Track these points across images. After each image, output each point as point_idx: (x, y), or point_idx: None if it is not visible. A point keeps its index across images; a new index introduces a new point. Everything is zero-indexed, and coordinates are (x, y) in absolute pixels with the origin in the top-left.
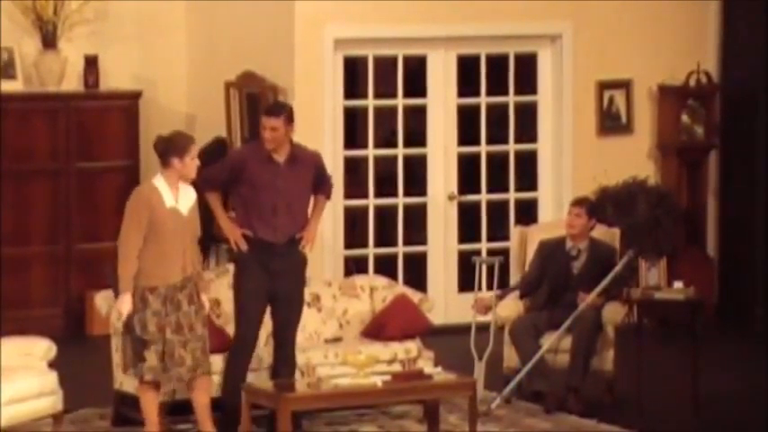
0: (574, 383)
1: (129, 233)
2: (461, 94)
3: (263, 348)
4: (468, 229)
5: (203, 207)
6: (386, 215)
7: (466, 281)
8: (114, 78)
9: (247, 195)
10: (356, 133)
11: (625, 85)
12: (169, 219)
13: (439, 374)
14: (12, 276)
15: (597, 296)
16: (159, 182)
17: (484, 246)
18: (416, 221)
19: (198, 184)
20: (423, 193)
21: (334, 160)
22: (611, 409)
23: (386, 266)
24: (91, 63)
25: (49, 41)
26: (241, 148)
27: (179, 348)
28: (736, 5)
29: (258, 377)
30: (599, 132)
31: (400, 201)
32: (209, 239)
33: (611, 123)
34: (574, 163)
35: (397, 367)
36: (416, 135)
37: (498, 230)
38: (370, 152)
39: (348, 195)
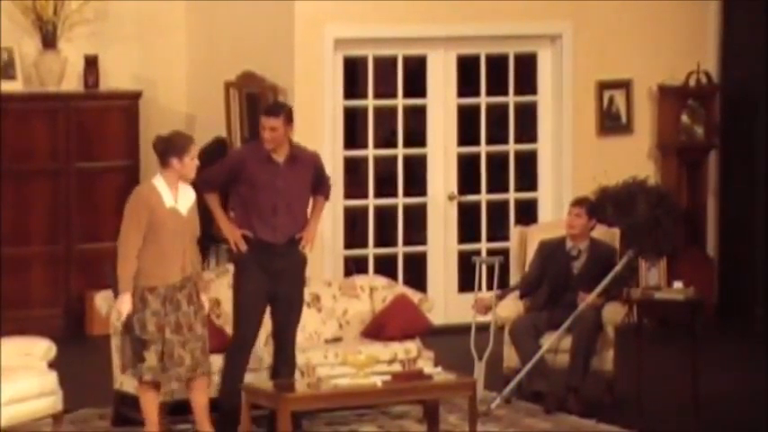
0: (574, 383)
1: (129, 233)
2: (461, 94)
3: (263, 349)
4: (468, 229)
5: (203, 207)
6: (386, 215)
7: (466, 281)
8: (114, 78)
9: (247, 195)
10: (356, 133)
11: (625, 85)
12: (168, 219)
13: (439, 374)
14: (12, 276)
15: (597, 296)
16: (159, 182)
17: (484, 246)
18: (416, 221)
19: (197, 185)
20: (423, 193)
21: (334, 160)
22: (611, 409)
23: (386, 266)
24: (91, 63)
25: (48, 41)
26: (240, 148)
27: (178, 348)
28: (736, 5)
29: (258, 377)
30: (599, 132)
31: (400, 201)
32: (209, 240)
33: (611, 123)
34: (574, 163)
35: (397, 367)
36: (416, 135)
37: (498, 230)
38: (370, 152)
39: (348, 195)
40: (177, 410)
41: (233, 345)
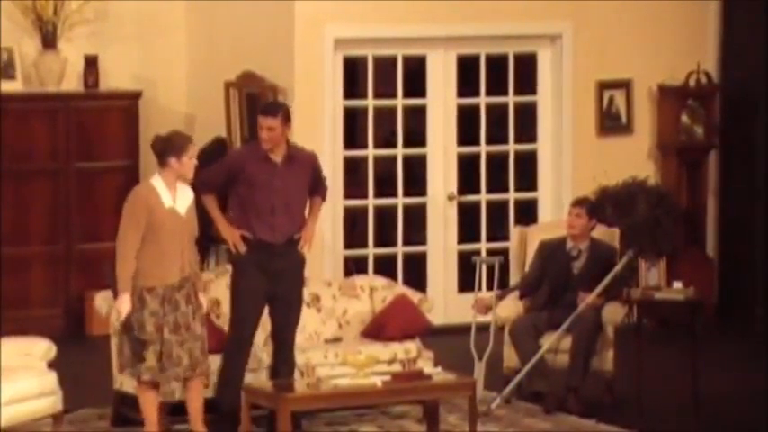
0: (574, 383)
1: (128, 233)
2: (461, 94)
3: (263, 349)
4: (467, 229)
5: (201, 208)
6: (386, 215)
7: (465, 281)
8: (114, 78)
9: (245, 196)
10: (356, 133)
11: (625, 85)
12: (167, 219)
13: (439, 374)
14: (12, 276)
15: (597, 296)
16: (157, 182)
17: (483, 246)
18: (416, 221)
19: (195, 186)
20: (422, 193)
21: (333, 160)
22: (610, 409)
23: (385, 266)
24: (91, 63)
25: (48, 41)
26: (238, 149)
27: (176, 348)
28: (736, 5)
29: (257, 377)
30: (599, 132)
31: (400, 201)
32: (209, 240)
33: (611, 123)
34: (574, 163)
35: (396, 367)
36: (416, 135)
37: (498, 230)
38: (370, 152)
39: (348, 195)
40: (177, 410)
41: (231, 345)
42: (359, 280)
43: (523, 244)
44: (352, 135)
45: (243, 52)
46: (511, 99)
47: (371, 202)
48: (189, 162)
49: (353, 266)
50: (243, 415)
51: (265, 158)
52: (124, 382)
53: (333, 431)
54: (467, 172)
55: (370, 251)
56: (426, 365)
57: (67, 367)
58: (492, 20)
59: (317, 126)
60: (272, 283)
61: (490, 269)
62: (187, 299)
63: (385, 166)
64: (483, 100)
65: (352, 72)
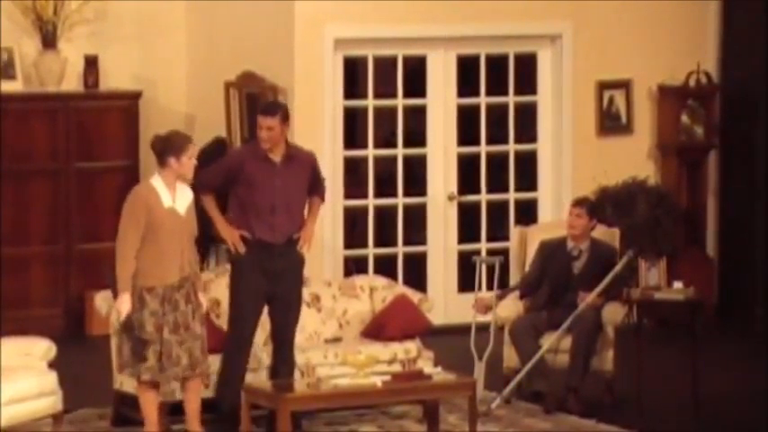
0: (574, 383)
1: (127, 233)
2: (461, 94)
3: (263, 349)
4: (467, 229)
5: (201, 208)
6: (386, 215)
7: (466, 281)
8: (114, 78)
9: (244, 196)
10: (356, 133)
11: (625, 85)
12: (167, 219)
13: (439, 374)
14: (12, 276)
15: (597, 296)
16: (157, 182)
17: (483, 246)
18: (416, 221)
19: (194, 186)
20: (422, 193)
21: (334, 160)
22: (610, 409)
23: (386, 266)
24: (91, 63)
25: (48, 41)
26: (237, 150)
27: (176, 348)
28: (736, 5)
29: (257, 377)
30: (599, 132)
31: (400, 201)
32: (209, 240)
33: (611, 123)
34: (574, 163)
35: (396, 367)
36: (416, 135)
37: (498, 231)
38: (370, 152)
39: (348, 195)
40: (177, 410)
41: (231, 345)
42: (359, 280)
43: (523, 244)
44: (353, 135)
45: (243, 52)
46: (511, 99)
47: (371, 202)
48: (188, 162)
49: (353, 266)
50: (243, 415)
51: (265, 158)
52: (124, 382)
53: (333, 431)
54: (467, 172)
55: (371, 251)
56: (426, 365)
57: (67, 367)
58: (492, 20)
59: (317, 126)
60: (271, 283)
61: (490, 269)
62: (187, 298)
63: (385, 166)
64: (483, 100)
65: (353, 72)
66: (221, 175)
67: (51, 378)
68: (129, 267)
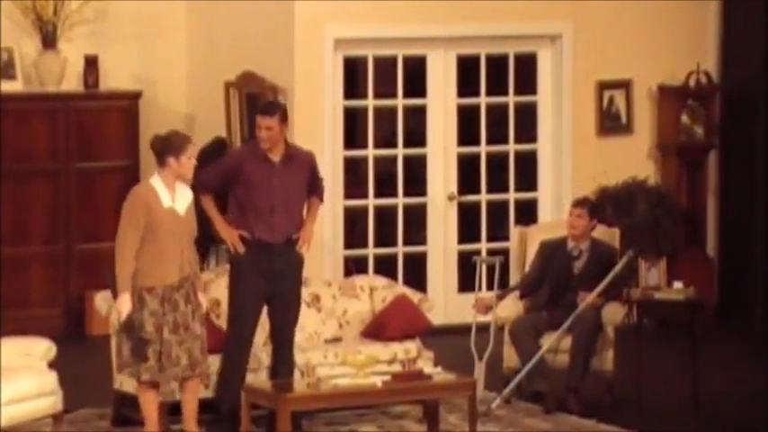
0: (574, 383)
1: (127, 233)
2: (461, 94)
3: (263, 349)
4: (467, 229)
5: (201, 208)
6: (386, 215)
7: (466, 281)
8: (114, 78)
9: (243, 196)
10: (356, 133)
11: (625, 85)
12: (166, 219)
13: (439, 374)
14: (12, 276)
15: (597, 296)
16: (156, 182)
17: (484, 246)
18: (416, 221)
19: (194, 186)
20: (422, 193)
21: (334, 160)
22: (610, 409)
23: (386, 266)
24: (91, 63)
25: (48, 41)
26: (236, 150)
27: (176, 348)
28: (736, 5)
29: (257, 377)
30: (599, 132)
31: (400, 201)
32: (209, 240)
33: (611, 123)
34: (574, 163)
35: (396, 367)
36: (416, 135)
37: (498, 231)
38: (370, 152)
39: (348, 195)
40: (177, 410)
41: (230, 345)
42: (359, 280)
43: (523, 244)
44: (353, 135)
45: (243, 52)
46: (511, 99)
47: (372, 202)
48: (187, 162)
49: (353, 266)
50: (243, 415)
51: (264, 158)
52: (124, 382)
53: (333, 431)
54: (467, 172)
55: (371, 251)
56: (426, 365)
57: (67, 367)
58: (492, 20)
59: (317, 126)
60: (270, 283)
61: (490, 269)
62: (186, 298)
63: (385, 166)
64: (483, 100)
65: (353, 72)
66: (220, 176)
67: (51, 378)
68: (128, 267)
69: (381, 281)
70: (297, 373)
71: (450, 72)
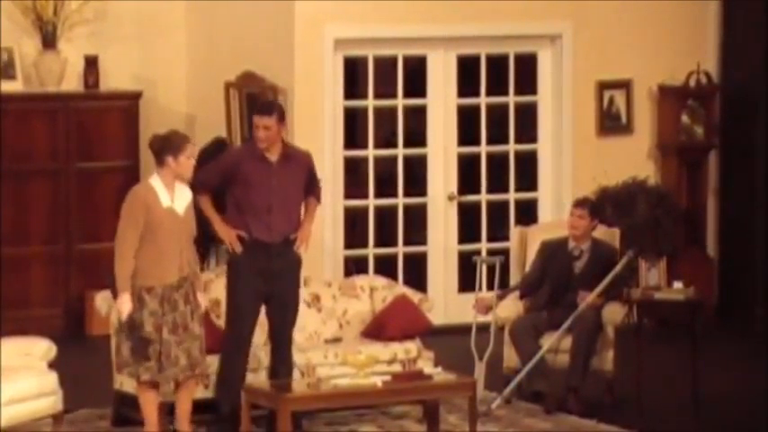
0: (574, 383)
1: (126, 233)
2: (461, 94)
3: (262, 349)
4: (468, 229)
5: (200, 208)
6: (386, 215)
7: (466, 281)
8: (114, 78)
9: (241, 196)
10: (356, 133)
11: (625, 85)
12: (165, 219)
13: (439, 375)
14: (12, 276)
15: (597, 296)
16: (156, 182)
17: (484, 246)
18: (416, 222)
19: (192, 186)
20: (423, 193)
21: (334, 160)
22: (611, 409)
23: (386, 267)
24: (91, 63)
25: (48, 42)
26: (233, 149)
27: (175, 348)
28: (736, 5)
29: (257, 377)
30: (599, 132)
31: (400, 201)
32: (209, 240)
33: (611, 123)
34: (574, 163)
35: (396, 367)
36: (416, 135)
37: (498, 231)
38: (370, 152)
39: (348, 195)
40: None
41: (229, 345)
42: (359, 280)
43: (524, 244)
44: (353, 135)
45: (243, 52)
46: (511, 99)
47: (372, 202)
48: (186, 162)
49: (354, 266)
50: (243, 415)
51: (261, 158)
52: (124, 383)
53: (333, 431)
54: (467, 172)
55: (371, 251)
56: (426, 365)
57: (67, 367)
58: (492, 20)
59: (317, 126)
60: (268, 283)
61: (490, 269)
62: (186, 298)
63: (385, 167)
64: (483, 100)
65: (353, 72)
66: (218, 175)
67: (51, 378)
68: (128, 267)
69: (381, 281)
70: (297, 373)
71: (450, 72)
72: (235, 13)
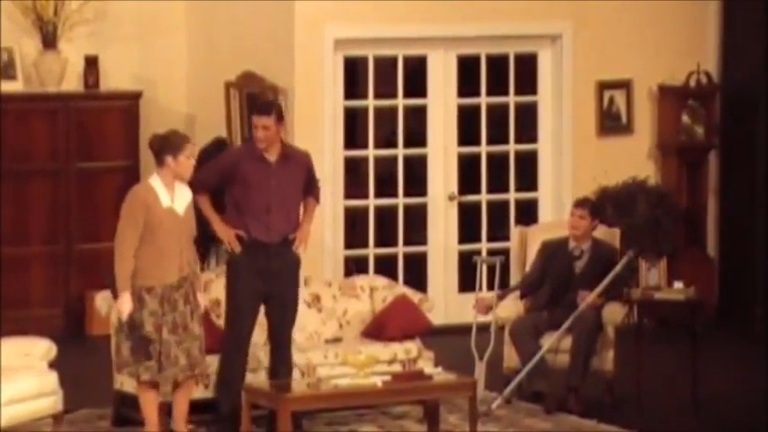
0: (574, 383)
1: (126, 233)
2: (461, 94)
3: (262, 349)
4: (468, 229)
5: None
6: (386, 215)
7: (466, 281)
8: (114, 78)
9: (240, 196)
10: (356, 133)
11: (625, 85)
12: (165, 219)
13: (439, 375)
14: (12, 276)
15: (597, 296)
16: (155, 182)
17: (484, 246)
18: (416, 222)
19: (192, 186)
20: (423, 193)
21: (334, 160)
22: (611, 409)
23: (386, 267)
24: (91, 63)
25: (49, 42)
26: (232, 149)
27: (174, 348)
28: (736, 5)
29: (257, 377)
30: (599, 132)
31: (400, 201)
32: (209, 240)
33: (611, 123)
34: (574, 163)
35: (397, 367)
36: (416, 135)
37: (498, 231)
38: (371, 152)
39: (348, 195)
40: None
41: (229, 346)
42: (359, 280)
43: (524, 244)
44: (353, 135)
45: (243, 52)
46: (511, 99)
47: (372, 202)
48: (186, 161)
49: (354, 266)
50: (243, 415)
51: (260, 158)
52: (124, 383)
53: (333, 431)
54: (467, 172)
55: (371, 251)
56: (427, 365)
57: (67, 367)
58: (492, 20)
59: (317, 126)
60: (267, 283)
61: (491, 269)
62: (185, 298)
63: (385, 167)
64: (483, 100)
65: (353, 72)
66: (217, 175)
67: (51, 378)
68: (127, 267)
69: (382, 281)
70: (297, 373)
71: (450, 72)
72: (235, 13)
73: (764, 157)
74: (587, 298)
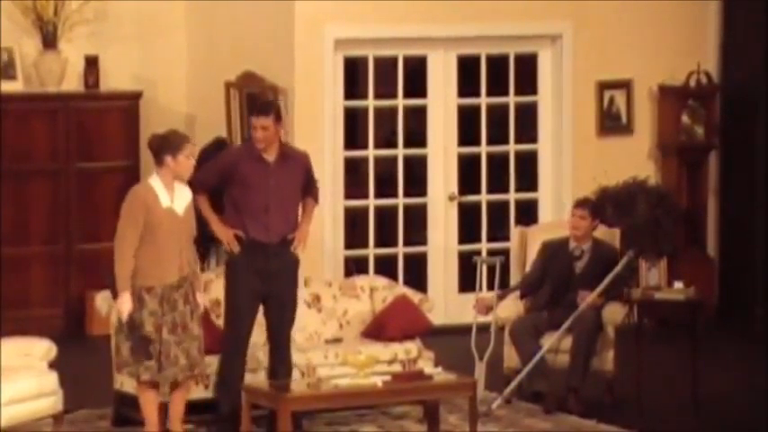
0: (574, 383)
1: (126, 233)
2: (461, 94)
3: (261, 349)
4: (468, 229)
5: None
6: (386, 215)
7: (466, 281)
8: (114, 78)
9: (238, 196)
10: (356, 134)
11: (625, 85)
12: (165, 219)
13: (439, 375)
14: (12, 276)
15: (598, 296)
16: (155, 182)
17: (484, 246)
18: (416, 222)
19: (191, 186)
20: (423, 193)
21: (334, 160)
22: (611, 409)
23: (386, 267)
24: (91, 63)
25: (49, 42)
26: (231, 150)
27: (174, 348)
28: (736, 5)
29: (256, 377)
30: (599, 132)
31: (400, 201)
32: (209, 240)
33: (611, 123)
34: (574, 163)
35: (397, 367)
36: (416, 135)
37: (498, 231)
38: (371, 152)
39: (348, 196)
40: None
41: (228, 346)
42: (359, 280)
43: (524, 244)
44: (353, 135)
45: (243, 52)
46: (511, 99)
47: (372, 202)
48: (185, 161)
49: (354, 267)
50: (243, 415)
51: (259, 158)
52: (124, 383)
53: (333, 431)
54: (467, 172)
55: (371, 251)
56: (427, 366)
57: (67, 367)
58: (492, 20)
59: (317, 126)
60: (265, 283)
61: (491, 269)
62: (185, 299)
63: (385, 167)
64: (483, 100)
65: (353, 72)
66: (216, 175)
67: (51, 378)
68: (127, 267)
69: (382, 281)
70: (297, 374)
71: (450, 72)
72: (235, 13)
73: (764, 157)
74: (587, 298)
